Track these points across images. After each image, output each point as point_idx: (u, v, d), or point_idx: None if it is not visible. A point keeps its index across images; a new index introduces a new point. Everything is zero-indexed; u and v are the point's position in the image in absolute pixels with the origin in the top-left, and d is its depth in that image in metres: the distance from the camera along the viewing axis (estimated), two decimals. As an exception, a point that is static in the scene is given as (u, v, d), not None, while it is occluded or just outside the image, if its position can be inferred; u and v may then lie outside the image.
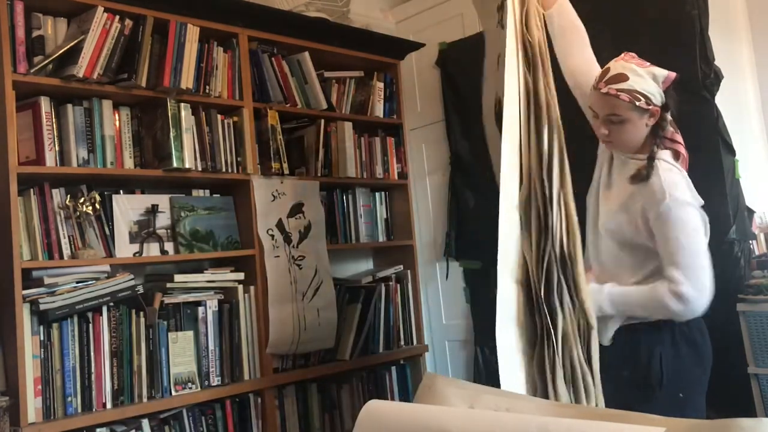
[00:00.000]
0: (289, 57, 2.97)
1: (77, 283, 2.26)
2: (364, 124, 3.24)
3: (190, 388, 2.46)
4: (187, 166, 2.48)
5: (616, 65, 1.77)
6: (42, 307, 2.14)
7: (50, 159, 2.25)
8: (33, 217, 2.21)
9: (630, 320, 1.80)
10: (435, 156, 3.57)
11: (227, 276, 2.65)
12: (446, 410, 1.09)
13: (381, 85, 3.30)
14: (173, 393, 2.41)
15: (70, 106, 2.32)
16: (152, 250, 2.50)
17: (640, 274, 1.80)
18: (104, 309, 2.29)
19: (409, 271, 3.28)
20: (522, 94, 1.62)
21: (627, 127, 1.77)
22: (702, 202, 1.78)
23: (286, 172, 2.82)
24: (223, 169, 2.64)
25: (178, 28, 2.51)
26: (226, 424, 2.55)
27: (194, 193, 2.72)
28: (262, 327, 2.66)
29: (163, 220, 2.55)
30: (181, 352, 2.46)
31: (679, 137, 1.81)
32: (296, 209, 2.84)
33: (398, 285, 3.22)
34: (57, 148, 2.28)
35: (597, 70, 1.84)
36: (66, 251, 2.27)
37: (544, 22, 1.77)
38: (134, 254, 2.44)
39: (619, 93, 1.73)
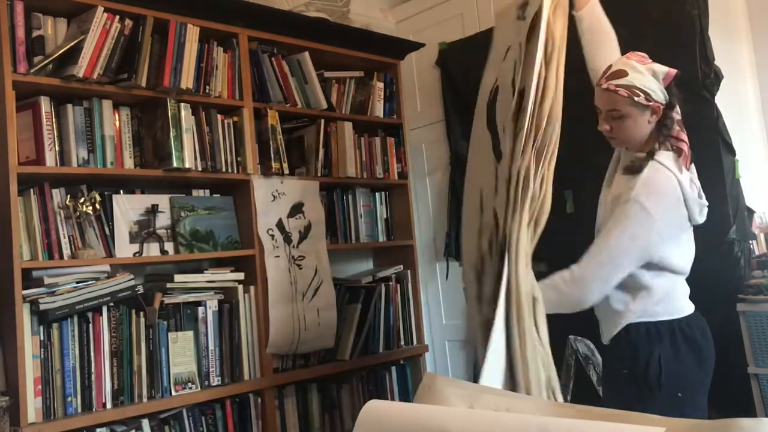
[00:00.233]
0: (289, 57, 2.97)
1: (77, 283, 2.26)
2: (364, 124, 3.23)
3: (190, 388, 2.46)
4: (187, 166, 2.48)
5: (618, 62, 1.80)
6: (42, 307, 2.14)
7: (50, 159, 2.25)
8: (33, 217, 2.21)
9: (630, 319, 1.81)
10: (435, 156, 3.57)
11: (227, 276, 2.65)
12: (446, 410, 1.09)
13: (381, 85, 3.30)
14: (173, 393, 2.41)
15: (70, 106, 2.32)
16: (152, 250, 2.50)
17: None
18: (104, 309, 2.29)
19: (409, 271, 3.28)
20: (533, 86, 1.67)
21: (627, 123, 1.78)
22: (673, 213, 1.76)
23: (286, 172, 2.82)
24: (223, 169, 2.64)
25: (178, 28, 2.51)
26: (226, 424, 2.55)
27: (194, 193, 2.72)
28: (262, 327, 2.66)
29: (163, 220, 2.55)
30: (181, 352, 2.46)
31: (684, 136, 1.81)
32: (296, 209, 2.84)
33: (398, 285, 3.22)
34: (57, 148, 2.28)
35: None
36: (66, 251, 2.27)
37: (569, 21, 1.80)
38: (134, 254, 2.44)
39: (618, 88, 1.75)
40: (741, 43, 2.84)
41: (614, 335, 1.83)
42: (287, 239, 2.78)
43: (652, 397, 1.73)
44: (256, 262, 2.67)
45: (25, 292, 2.13)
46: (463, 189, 3.33)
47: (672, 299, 1.80)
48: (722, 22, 2.62)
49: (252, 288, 2.66)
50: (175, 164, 2.43)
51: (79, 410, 2.20)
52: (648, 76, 1.75)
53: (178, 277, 2.50)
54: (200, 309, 2.55)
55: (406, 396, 3.17)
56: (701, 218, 1.82)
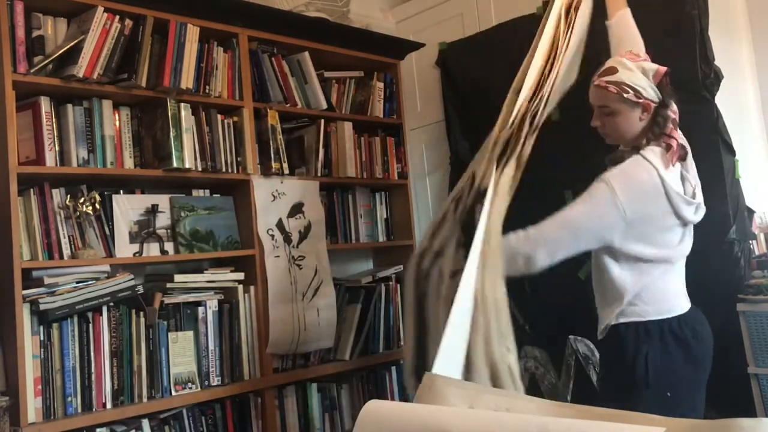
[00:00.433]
0: (289, 57, 2.97)
1: (77, 283, 2.26)
2: (364, 124, 3.24)
3: (190, 388, 2.46)
4: (187, 166, 2.48)
5: (610, 60, 1.84)
6: (42, 307, 2.14)
7: (50, 159, 2.25)
8: (33, 217, 2.21)
9: (620, 318, 1.81)
10: (435, 156, 3.57)
11: (227, 276, 2.65)
12: (446, 410, 1.09)
13: (381, 85, 3.30)
14: (173, 393, 2.41)
15: (70, 106, 2.32)
16: (152, 250, 2.50)
17: None
18: (104, 309, 2.29)
19: (409, 271, 3.27)
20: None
21: (618, 120, 1.81)
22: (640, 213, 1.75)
23: (286, 172, 2.82)
24: (223, 169, 2.64)
25: (178, 28, 2.51)
26: (226, 424, 2.55)
27: (194, 193, 2.72)
28: (262, 327, 2.66)
29: (163, 220, 2.55)
30: (181, 352, 2.46)
31: (676, 134, 1.82)
32: (296, 209, 2.84)
33: (398, 285, 3.22)
34: (57, 148, 2.28)
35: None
36: (66, 251, 2.27)
37: (572, 24, 1.85)
38: (134, 254, 2.44)
39: (608, 85, 1.79)
40: (741, 43, 2.84)
41: (605, 331, 1.84)
42: (287, 239, 2.78)
43: (640, 396, 1.73)
44: (256, 262, 2.67)
45: (25, 292, 2.13)
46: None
47: (660, 299, 1.79)
48: (722, 22, 2.62)
49: (252, 288, 2.66)
50: (175, 164, 2.43)
51: (79, 410, 2.20)
52: (637, 74, 1.78)
53: (178, 277, 2.50)
54: (200, 309, 2.55)
55: (406, 396, 3.17)
56: (695, 216, 1.82)
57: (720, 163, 2.40)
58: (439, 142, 3.53)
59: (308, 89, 2.98)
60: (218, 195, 2.78)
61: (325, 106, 2.99)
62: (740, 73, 2.79)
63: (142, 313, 2.38)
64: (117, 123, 2.44)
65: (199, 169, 2.56)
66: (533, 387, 2.82)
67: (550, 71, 1.75)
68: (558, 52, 1.80)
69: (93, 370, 2.24)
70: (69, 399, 2.19)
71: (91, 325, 2.26)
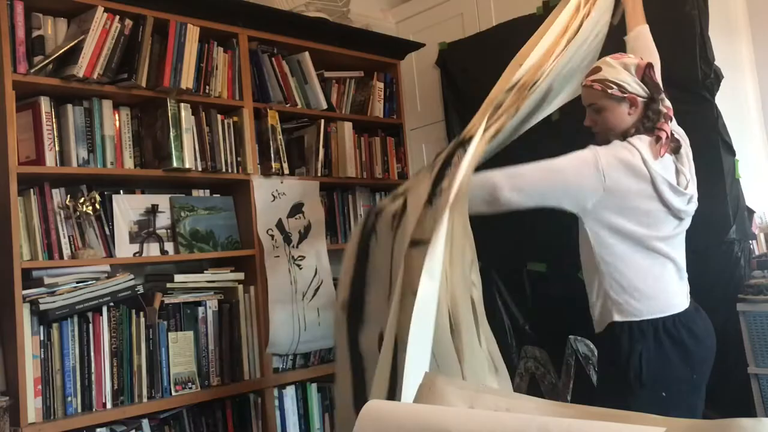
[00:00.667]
0: (289, 57, 2.97)
1: (77, 283, 2.26)
2: (364, 124, 3.24)
3: (190, 388, 2.46)
4: (187, 166, 2.48)
5: (598, 61, 1.91)
6: (42, 307, 2.15)
7: (50, 159, 2.25)
8: (33, 217, 2.21)
9: (615, 315, 1.81)
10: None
11: (227, 276, 2.65)
12: (446, 410, 1.09)
13: (381, 85, 3.30)
14: (173, 393, 2.41)
15: (70, 106, 2.32)
16: (152, 250, 2.50)
17: None
18: (104, 309, 2.29)
19: (409, 271, 3.27)
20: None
21: (606, 116, 1.87)
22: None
23: (286, 172, 2.82)
24: (223, 169, 2.64)
25: (178, 28, 2.51)
26: (226, 424, 2.55)
27: (194, 193, 2.72)
28: (262, 327, 2.66)
29: (163, 220, 2.55)
30: (181, 352, 2.46)
31: (667, 127, 1.83)
32: (296, 209, 2.84)
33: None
34: (57, 148, 2.28)
35: None
36: (66, 251, 2.27)
37: (589, 12, 1.94)
38: (134, 254, 2.44)
39: (593, 83, 1.86)
40: (741, 43, 2.84)
41: (601, 330, 1.84)
42: (287, 239, 2.78)
43: (635, 396, 1.73)
44: (256, 262, 2.67)
45: (25, 292, 2.13)
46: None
47: (653, 296, 1.79)
48: (722, 22, 2.62)
49: (252, 288, 2.66)
50: (175, 164, 2.43)
51: (79, 410, 2.20)
52: (620, 70, 1.84)
53: (178, 277, 2.50)
54: (200, 309, 2.55)
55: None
56: (686, 207, 1.82)
57: (720, 163, 2.40)
58: (439, 142, 3.52)
59: (308, 89, 2.98)
60: (218, 195, 2.78)
61: (325, 106, 2.99)
62: (740, 73, 2.79)
63: (142, 313, 2.38)
64: (117, 123, 2.44)
65: (199, 169, 2.56)
66: (533, 387, 2.82)
67: (554, 50, 1.81)
68: (567, 33, 1.87)
69: (93, 370, 2.24)
70: (69, 399, 2.19)
71: (91, 325, 2.26)
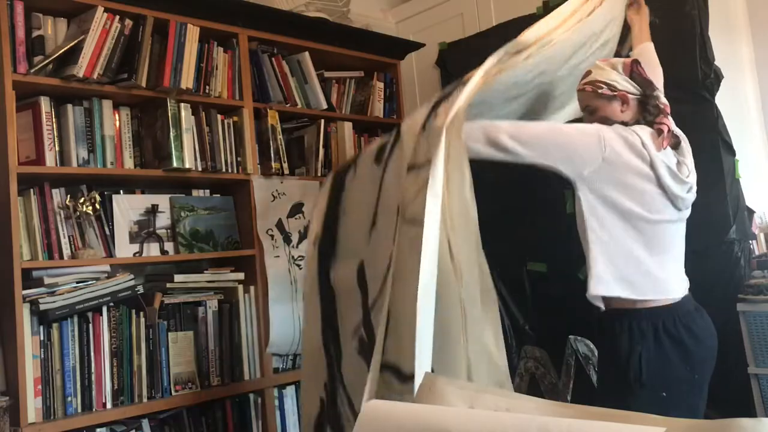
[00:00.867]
0: (289, 57, 2.97)
1: (77, 283, 2.26)
2: (364, 124, 3.23)
3: (190, 388, 2.46)
4: (187, 166, 2.48)
5: (590, 67, 1.95)
6: (42, 307, 2.15)
7: (50, 159, 2.25)
8: (33, 217, 2.21)
9: (612, 302, 1.80)
10: (435, 156, 3.56)
11: (227, 276, 2.65)
12: (446, 410, 1.09)
13: (381, 85, 3.30)
14: (173, 393, 2.41)
15: (70, 106, 2.32)
16: (152, 250, 2.50)
17: None
18: (104, 309, 2.29)
19: (409, 271, 3.27)
20: None
21: (600, 116, 1.89)
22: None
23: (286, 172, 2.82)
24: (223, 169, 2.64)
25: (178, 28, 2.51)
26: (226, 424, 2.55)
27: (194, 193, 2.72)
28: (262, 327, 2.66)
29: (163, 220, 2.56)
30: (181, 352, 2.46)
31: (667, 120, 1.84)
32: (296, 209, 2.84)
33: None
34: (57, 148, 2.28)
35: None
36: (66, 251, 2.27)
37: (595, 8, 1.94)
38: (134, 254, 2.44)
39: (584, 86, 1.91)
40: (741, 43, 2.84)
41: (596, 299, 1.83)
42: (287, 239, 2.78)
43: (635, 396, 1.73)
44: (256, 262, 2.67)
45: (25, 292, 2.13)
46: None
47: (647, 282, 1.78)
48: (722, 22, 2.62)
49: (252, 288, 2.66)
50: (175, 164, 2.43)
51: (79, 410, 2.20)
52: (608, 69, 1.88)
53: (178, 277, 2.50)
54: (200, 309, 2.55)
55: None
56: (686, 195, 1.82)
57: (720, 163, 2.40)
58: (439, 142, 3.52)
59: (308, 89, 2.98)
60: (218, 195, 2.78)
61: (325, 106, 2.99)
62: (740, 73, 2.79)
63: (142, 313, 2.38)
64: (117, 123, 2.44)
65: (199, 169, 2.56)
66: (533, 387, 2.82)
67: (564, 24, 1.83)
68: (578, 14, 1.88)
69: (93, 370, 2.24)
70: (69, 399, 2.19)
71: (91, 325, 2.26)
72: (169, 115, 2.45)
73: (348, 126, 3.09)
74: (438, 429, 1.00)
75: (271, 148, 2.75)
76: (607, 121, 1.86)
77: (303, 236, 2.85)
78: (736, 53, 2.80)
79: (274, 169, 2.75)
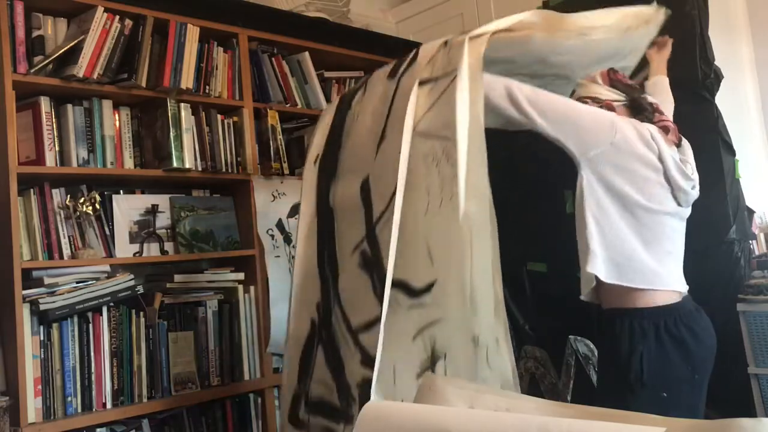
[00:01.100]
0: (289, 57, 2.97)
1: (77, 283, 2.26)
2: (364, 124, 3.23)
3: (190, 388, 2.46)
4: (187, 166, 2.48)
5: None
6: (42, 307, 2.15)
7: (50, 159, 2.25)
8: (33, 217, 2.21)
9: (615, 303, 1.80)
10: (435, 156, 3.56)
11: (227, 276, 2.65)
12: (446, 410, 1.09)
13: (381, 85, 3.29)
14: (173, 393, 2.41)
15: (70, 106, 2.32)
16: (152, 250, 2.50)
17: None
18: (104, 309, 2.29)
19: (409, 271, 3.27)
20: None
21: None
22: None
23: (286, 172, 2.82)
24: (223, 169, 2.64)
25: (178, 28, 2.51)
26: (226, 424, 2.55)
27: (194, 193, 2.72)
28: (262, 327, 2.66)
29: (163, 220, 2.55)
30: (181, 352, 2.46)
31: (665, 118, 1.85)
32: (296, 209, 2.83)
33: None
34: (57, 148, 2.28)
35: None
36: (66, 251, 2.27)
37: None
38: (134, 254, 2.44)
39: None
40: (741, 43, 2.84)
41: (586, 294, 1.82)
42: (287, 239, 2.78)
43: (635, 396, 1.73)
44: (256, 262, 2.67)
45: (25, 292, 2.13)
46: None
47: (629, 261, 1.78)
48: (722, 22, 2.62)
49: (252, 288, 2.66)
50: (175, 164, 2.44)
51: (79, 410, 2.20)
52: (589, 84, 1.91)
53: (178, 277, 2.50)
54: (200, 309, 2.55)
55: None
56: (692, 192, 1.83)
57: (720, 163, 2.40)
58: (439, 142, 3.52)
59: (308, 89, 2.98)
60: (218, 195, 2.78)
61: (325, 106, 2.99)
62: (740, 73, 2.79)
63: (142, 313, 2.38)
64: (117, 123, 2.44)
65: (199, 169, 2.56)
66: (533, 387, 2.82)
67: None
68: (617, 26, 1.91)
69: (93, 370, 2.24)
70: (69, 399, 2.19)
71: (91, 325, 2.26)
72: (169, 115, 2.45)
73: (348, 126, 3.09)
74: (438, 429, 1.00)
75: (271, 148, 2.75)
76: None
77: (303, 236, 2.84)
78: (736, 53, 2.80)
79: (274, 169, 2.75)
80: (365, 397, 1.54)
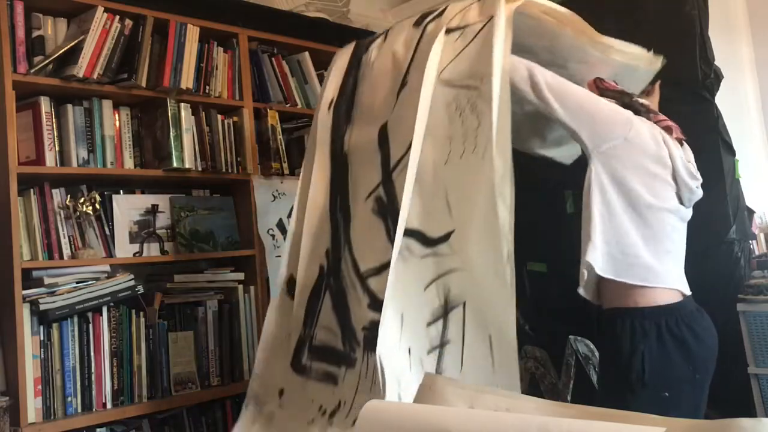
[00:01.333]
0: (289, 57, 2.97)
1: (77, 283, 2.26)
2: (364, 124, 3.23)
3: (190, 388, 2.46)
4: (187, 166, 2.48)
5: None
6: (42, 307, 2.15)
7: (50, 159, 2.25)
8: (33, 217, 2.21)
9: (616, 303, 1.80)
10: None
11: (227, 276, 2.65)
12: (446, 410, 1.09)
13: (381, 85, 3.29)
14: (173, 393, 2.41)
15: (70, 106, 2.32)
16: (152, 250, 2.50)
17: None
18: (104, 309, 2.29)
19: (409, 271, 3.27)
20: None
21: None
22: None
23: (286, 172, 2.82)
24: (223, 169, 2.64)
25: (178, 28, 2.51)
26: (226, 424, 2.55)
27: (194, 193, 2.72)
28: (262, 327, 2.65)
29: (163, 220, 2.55)
30: (181, 352, 2.46)
31: (663, 117, 1.85)
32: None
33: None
34: (57, 148, 2.28)
35: None
36: (66, 251, 2.27)
37: None
38: (134, 254, 2.44)
39: None
40: (741, 43, 2.85)
41: (586, 291, 1.82)
42: (287, 239, 2.78)
43: (637, 396, 1.73)
44: (256, 262, 2.67)
45: (25, 292, 2.13)
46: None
47: (630, 256, 1.78)
48: (722, 22, 2.62)
49: (252, 288, 2.66)
50: (175, 164, 2.44)
51: (79, 410, 2.20)
52: None
53: (178, 277, 2.50)
54: (200, 309, 2.55)
55: (406, 396, 3.16)
56: (696, 191, 1.84)
57: (720, 163, 2.40)
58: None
59: (308, 89, 2.98)
60: (218, 195, 2.78)
61: (325, 106, 2.99)
62: (740, 73, 2.80)
63: (142, 313, 2.38)
64: (117, 123, 2.44)
65: (199, 169, 2.56)
66: (533, 387, 2.82)
67: None
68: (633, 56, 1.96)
69: (93, 370, 2.24)
70: (69, 399, 2.19)
71: (91, 325, 2.26)
72: (169, 115, 2.45)
73: (348, 126, 3.09)
74: (438, 429, 1.00)
75: (271, 148, 2.75)
76: None
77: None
78: (736, 53, 2.80)
79: (274, 169, 2.75)
80: (371, 339, 1.54)
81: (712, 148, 2.39)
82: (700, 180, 1.85)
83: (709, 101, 2.43)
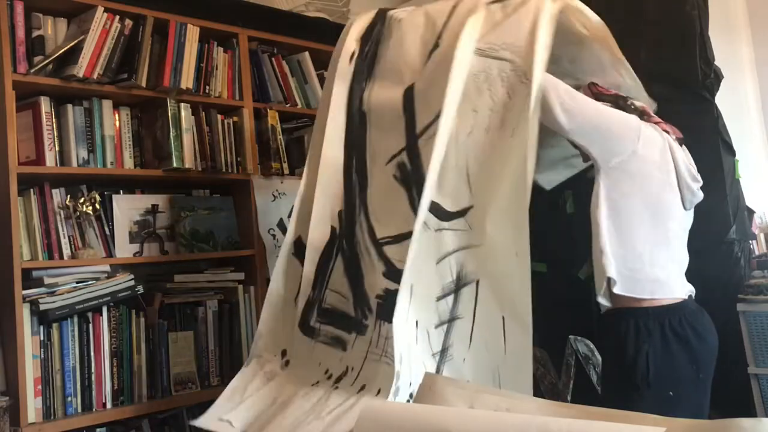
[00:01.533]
0: (289, 57, 2.97)
1: (77, 283, 2.26)
2: (364, 124, 3.23)
3: (190, 388, 2.46)
4: (187, 166, 2.48)
5: None
6: (42, 307, 2.15)
7: (50, 159, 2.25)
8: (33, 217, 2.21)
9: (619, 303, 1.80)
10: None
11: (227, 276, 2.65)
12: (446, 410, 1.09)
13: (381, 85, 3.29)
14: (173, 393, 2.41)
15: (70, 106, 2.32)
16: (152, 250, 2.50)
17: None
18: (104, 309, 2.29)
19: (409, 271, 3.27)
20: None
21: None
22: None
23: (286, 172, 2.82)
24: (223, 169, 2.64)
25: (178, 28, 2.51)
26: (226, 424, 2.55)
27: (194, 193, 2.72)
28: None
29: (163, 220, 2.55)
30: (181, 352, 2.46)
31: (656, 119, 1.85)
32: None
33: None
34: (57, 148, 2.28)
35: None
36: (66, 251, 2.27)
37: None
38: (134, 254, 2.44)
39: None
40: (741, 43, 2.85)
41: (602, 295, 1.82)
42: (287, 239, 2.78)
43: (641, 395, 1.73)
44: (256, 262, 2.67)
45: (25, 292, 2.13)
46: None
47: (651, 278, 1.78)
48: (722, 22, 2.62)
49: (252, 288, 2.66)
50: (175, 164, 2.44)
51: (79, 410, 2.20)
52: None
53: (178, 277, 2.50)
54: (200, 309, 2.55)
55: (406, 396, 3.16)
56: (698, 193, 1.85)
57: (720, 163, 2.40)
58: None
59: (308, 89, 2.98)
60: (218, 195, 2.78)
61: (325, 106, 2.99)
62: (740, 73, 2.80)
63: (142, 313, 2.38)
64: (117, 123, 2.44)
65: (199, 169, 2.56)
66: (533, 387, 2.82)
67: None
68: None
69: (93, 370, 2.24)
70: (69, 399, 2.19)
71: (91, 325, 2.26)
72: (169, 115, 2.45)
73: (348, 126, 3.09)
74: (438, 429, 1.00)
75: (271, 148, 2.75)
76: None
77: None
78: (736, 53, 2.80)
79: (274, 169, 2.75)
80: (385, 308, 1.52)
81: (712, 148, 2.39)
82: (701, 182, 1.85)
83: (709, 101, 2.43)
